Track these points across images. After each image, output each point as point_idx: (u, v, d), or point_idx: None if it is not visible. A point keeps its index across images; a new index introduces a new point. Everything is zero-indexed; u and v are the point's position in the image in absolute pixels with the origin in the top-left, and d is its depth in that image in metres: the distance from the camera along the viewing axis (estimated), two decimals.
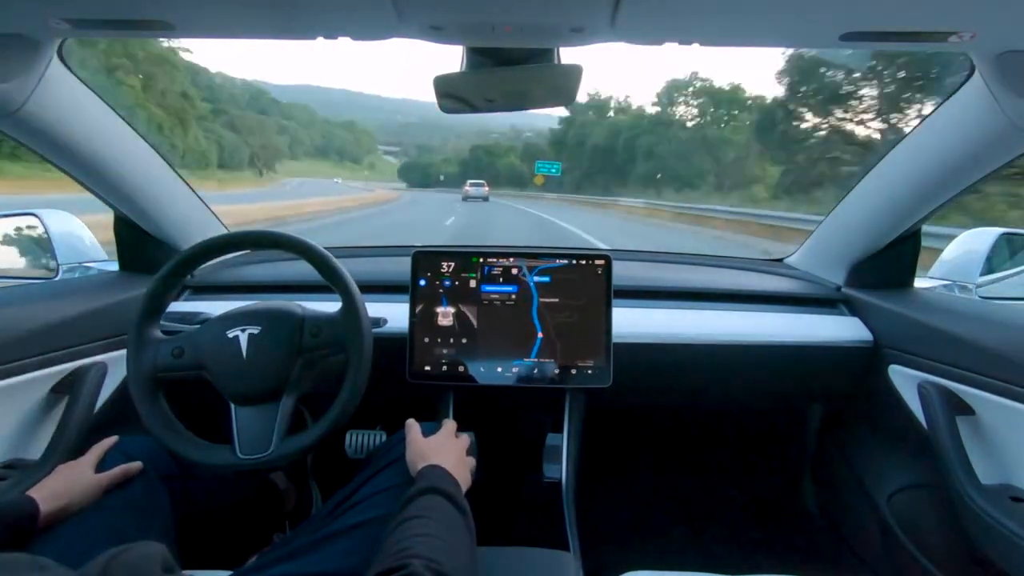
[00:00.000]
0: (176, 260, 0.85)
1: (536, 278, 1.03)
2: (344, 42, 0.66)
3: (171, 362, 0.82)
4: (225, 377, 0.81)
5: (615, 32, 0.61)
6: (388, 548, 0.56)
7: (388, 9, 0.56)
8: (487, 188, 26.92)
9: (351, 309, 0.84)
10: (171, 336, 0.85)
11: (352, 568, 0.66)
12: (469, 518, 0.66)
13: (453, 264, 1.03)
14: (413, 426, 0.82)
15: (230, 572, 0.72)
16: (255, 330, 0.82)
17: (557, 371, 1.00)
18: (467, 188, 26.23)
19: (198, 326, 0.87)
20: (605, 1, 0.54)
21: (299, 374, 0.83)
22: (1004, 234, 1.31)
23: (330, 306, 0.89)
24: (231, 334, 0.82)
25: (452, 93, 0.78)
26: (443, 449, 0.77)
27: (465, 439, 0.84)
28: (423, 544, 0.55)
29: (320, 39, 0.66)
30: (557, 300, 1.02)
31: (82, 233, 1.33)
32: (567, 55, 0.73)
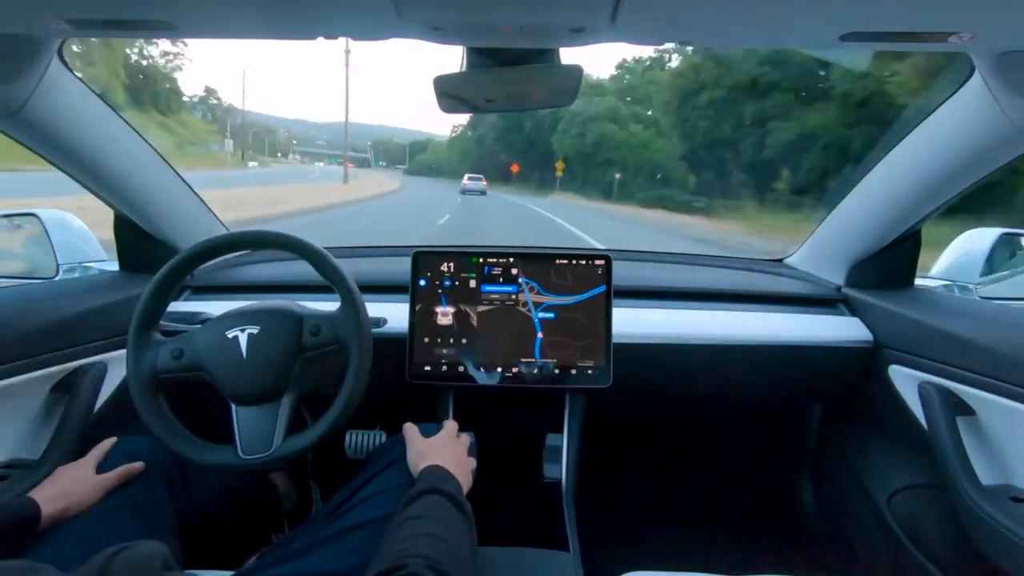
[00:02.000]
0: (175, 261, 0.85)
1: (536, 279, 1.03)
2: (344, 42, 0.66)
3: (171, 364, 0.82)
4: (225, 378, 0.81)
5: (615, 32, 0.61)
6: (388, 548, 0.56)
7: (388, 9, 0.56)
8: (485, 182, 26.26)
9: (350, 306, 0.84)
10: (171, 337, 0.85)
11: (352, 568, 0.66)
12: (470, 518, 0.66)
13: (453, 264, 1.03)
14: (411, 429, 0.82)
15: (230, 572, 0.72)
16: (254, 330, 0.82)
17: (557, 371, 1.00)
18: (465, 182, 26.00)
19: (198, 326, 0.87)
20: (605, 1, 0.54)
21: (299, 373, 0.83)
22: (1004, 234, 1.31)
23: (330, 305, 0.89)
24: (230, 334, 0.82)
25: (452, 93, 0.78)
26: (444, 449, 0.77)
27: (465, 439, 0.84)
28: (423, 544, 0.55)
29: (320, 39, 0.66)
30: (557, 300, 1.02)
31: (82, 233, 1.33)
32: (567, 55, 0.73)
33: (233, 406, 0.82)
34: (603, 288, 1.02)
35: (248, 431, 0.81)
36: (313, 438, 0.81)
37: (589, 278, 1.02)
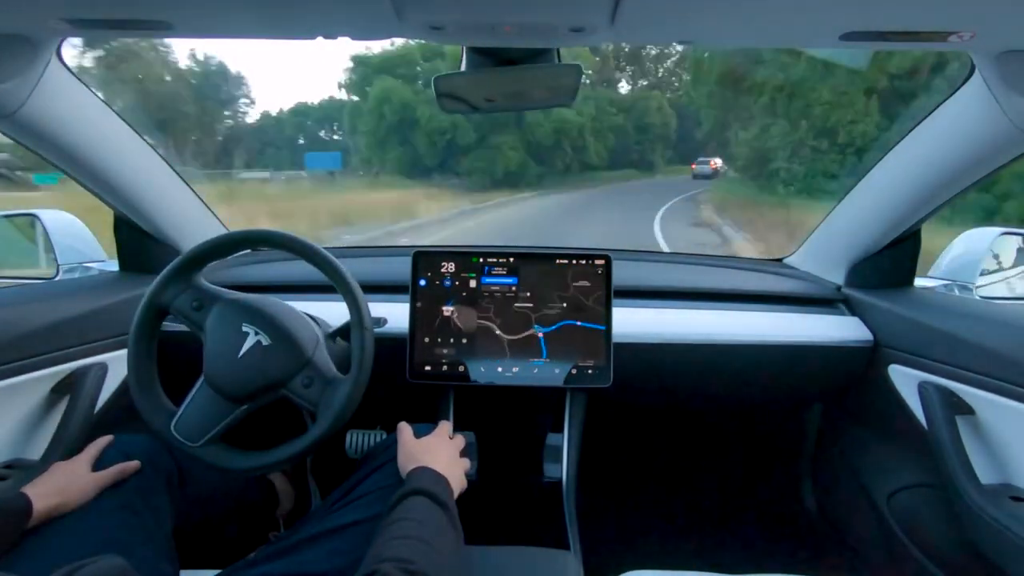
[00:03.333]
0: (221, 237, 0.86)
1: (536, 278, 1.03)
2: (344, 42, 0.66)
3: (186, 308, 0.83)
4: (212, 355, 0.81)
5: (615, 32, 0.61)
6: (370, 553, 0.57)
7: (387, 9, 0.56)
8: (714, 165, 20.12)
9: (352, 377, 0.80)
10: (202, 289, 0.85)
11: (343, 567, 0.66)
12: (454, 517, 0.65)
13: (453, 264, 1.03)
14: (404, 429, 0.81)
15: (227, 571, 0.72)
16: (265, 340, 0.81)
17: (557, 371, 1.00)
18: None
19: (236, 294, 0.86)
20: (605, 1, 0.54)
21: (266, 399, 0.82)
22: (1004, 234, 1.31)
23: (332, 308, 0.89)
24: (244, 328, 0.81)
25: (452, 93, 0.78)
26: (434, 450, 0.77)
27: (460, 440, 0.83)
28: (398, 547, 0.56)
29: (320, 39, 0.66)
30: (557, 300, 1.02)
31: (82, 233, 1.33)
32: (567, 55, 0.73)
33: (202, 379, 0.82)
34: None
35: (194, 411, 0.80)
36: (233, 466, 0.80)
37: (589, 278, 1.02)
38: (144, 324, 0.82)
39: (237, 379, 0.81)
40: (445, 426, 0.84)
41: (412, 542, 0.57)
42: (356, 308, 0.83)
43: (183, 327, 0.83)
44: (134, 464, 0.78)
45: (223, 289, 0.87)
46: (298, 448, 0.80)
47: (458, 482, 0.74)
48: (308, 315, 0.91)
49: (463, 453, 0.82)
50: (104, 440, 0.81)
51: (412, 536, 0.58)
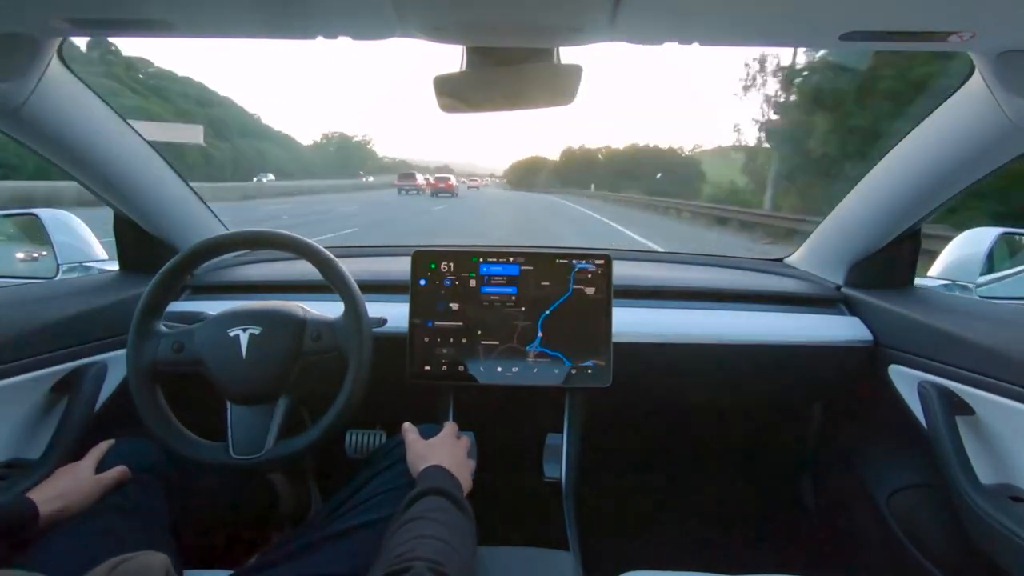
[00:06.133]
0: (180, 257, 0.85)
1: (536, 277, 1.03)
2: (344, 42, 0.66)
3: (170, 356, 0.82)
4: (223, 375, 0.81)
5: (615, 32, 0.61)
6: (390, 550, 0.56)
7: (388, 9, 0.56)
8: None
9: (353, 313, 0.84)
10: (172, 330, 0.85)
11: (352, 571, 0.66)
12: (471, 519, 0.66)
13: (453, 264, 1.02)
14: (411, 430, 0.82)
15: (230, 572, 0.72)
16: (256, 330, 0.82)
17: (557, 371, 1.00)
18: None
19: (200, 324, 0.87)
20: (605, 1, 0.54)
21: (297, 377, 0.83)
22: (1004, 234, 1.31)
23: (331, 306, 0.89)
24: (232, 333, 0.82)
25: (452, 93, 0.78)
26: (444, 450, 0.77)
27: (466, 440, 0.84)
28: (426, 546, 0.55)
29: (320, 39, 0.66)
30: (557, 300, 1.02)
31: (82, 233, 1.33)
32: (567, 55, 0.73)
33: (228, 404, 0.83)
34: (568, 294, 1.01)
35: (241, 431, 0.81)
36: (304, 443, 0.81)
37: (589, 278, 1.02)
38: (145, 393, 0.82)
39: (254, 378, 0.82)
40: (452, 427, 0.84)
41: (438, 543, 0.56)
42: (355, 311, 0.84)
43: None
44: (135, 467, 0.78)
45: (187, 325, 0.87)
46: (348, 393, 0.81)
47: (466, 483, 0.75)
48: None
49: (467, 454, 0.82)
50: (106, 444, 0.81)
51: (437, 537, 0.57)
